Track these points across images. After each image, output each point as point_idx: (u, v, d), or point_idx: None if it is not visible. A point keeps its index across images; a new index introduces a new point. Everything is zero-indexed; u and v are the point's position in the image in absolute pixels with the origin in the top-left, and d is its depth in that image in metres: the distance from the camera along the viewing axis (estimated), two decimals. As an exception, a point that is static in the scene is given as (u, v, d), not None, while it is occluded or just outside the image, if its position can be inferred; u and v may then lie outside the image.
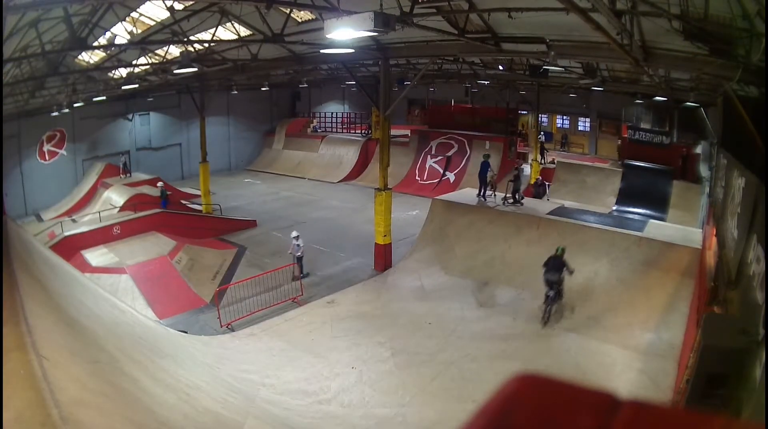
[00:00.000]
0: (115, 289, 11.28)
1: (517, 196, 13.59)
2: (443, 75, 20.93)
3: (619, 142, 24.92)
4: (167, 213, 16.57)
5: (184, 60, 12.08)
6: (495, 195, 14.07)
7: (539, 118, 24.89)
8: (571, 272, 9.86)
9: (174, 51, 15.10)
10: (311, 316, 10.91)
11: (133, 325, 7.23)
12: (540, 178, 19.19)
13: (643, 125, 22.71)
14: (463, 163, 24.23)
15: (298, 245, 12.92)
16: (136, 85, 17.51)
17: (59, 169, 24.39)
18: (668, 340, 8.80)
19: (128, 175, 23.76)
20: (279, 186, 26.31)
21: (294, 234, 13.20)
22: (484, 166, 14.19)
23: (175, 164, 29.11)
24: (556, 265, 9.86)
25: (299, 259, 12.97)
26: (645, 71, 11.39)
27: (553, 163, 23.69)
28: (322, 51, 11.73)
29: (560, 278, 9.87)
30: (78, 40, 9.14)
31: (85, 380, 4.04)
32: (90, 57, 15.78)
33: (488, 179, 14.10)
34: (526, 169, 24.06)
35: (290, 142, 31.64)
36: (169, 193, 19.96)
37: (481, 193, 14.12)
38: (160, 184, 20.35)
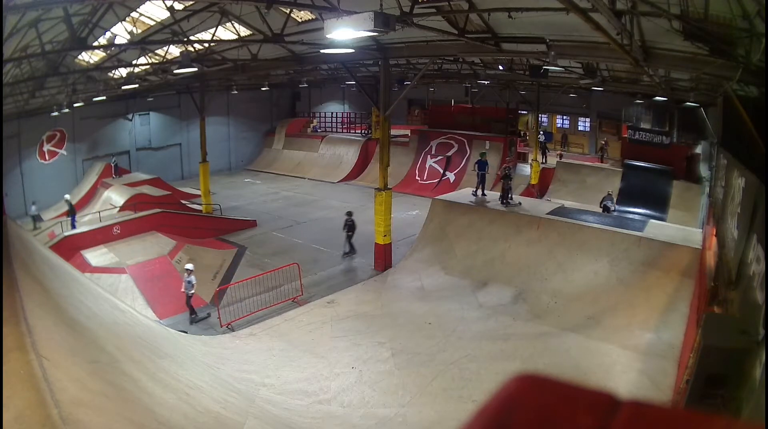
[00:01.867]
0: (115, 289, 11.28)
1: (509, 196, 13.60)
2: (443, 75, 20.93)
3: (603, 141, 25.06)
4: (167, 213, 16.56)
5: (184, 60, 12.08)
6: (485, 193, 14.15)
7: (539, 118, 24.89)
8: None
9: (174, 51, 15.10)
10: (311, 316, 10.90)
11: (133, 325, 7.23)
12: (550, 199, 19.10)
13: (643, 125, 22.71)
14: (463, 163, 24.23)
15: (189, 282, 10.83)
16: (136, 85, 17.50)
17: (59, 169, 24.38)
18: (668, 340, 8.80)
19: (117, 176, 22.90)
20: (279, 186, 26.31)
21: (188, 267, 11.13)
22: (482, 164, 14.32)
23: (175, 164, 29.10)
24: (608, 197, 15.39)
25: (189, 298, 10.90)
26: (645, 71, 11.38)
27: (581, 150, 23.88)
28: (322, 51, 11.72)
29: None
30: (78, 40, 9.14)
31: (85, 380, 4.04)
32: (90, 57, 15.77)
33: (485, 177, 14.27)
34: (526, 169, 24.08)
35: (290, 142, 31.64)
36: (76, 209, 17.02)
37: (477, 192, 14.23)
38: (67, 195, 18.17)
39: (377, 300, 11.77)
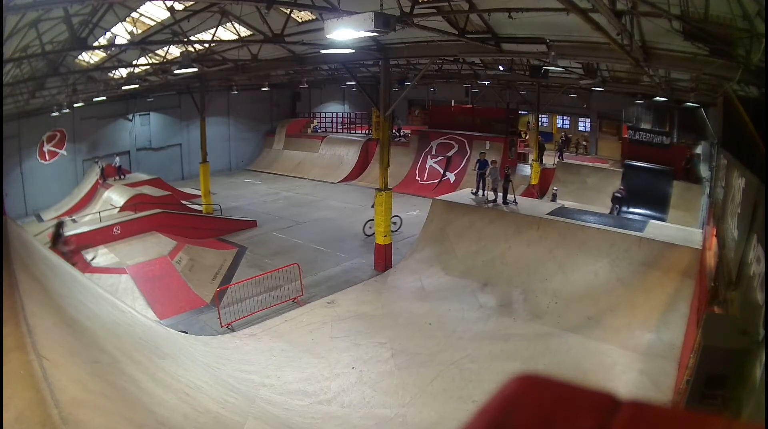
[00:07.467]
0: (115, 290, 11.27)
1: (506, 196, 13.58)
2: (443, 75, 20.94)
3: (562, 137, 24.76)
4: (167, 213, 16.55)
5: (185, 60, 12.07)
6: (485, 193, 14.15)
7: (539, 119, 24.89)
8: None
9: (174, 51, 15.10)
10: (311, 316, 10.90)
11: (133, 325, 7.23)
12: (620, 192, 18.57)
13: (643, 125, 22.72)
14: (464, 163, 24.23)
15: None
16: (137, 86, 17.51)
17: (59, 169, 24.38)
18: (668, 340, 8.80)
19: (105, 179, 22.34)
20: (279, 186, 26.31)
21: None
22: (482, 164, 14.32)
23: (175, 164, 29.11)
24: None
25: None
26: (645, 71, 11.38)
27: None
28: (322, 51, 11.73)
29: None
30: (78, 40, 9.14)
31: (85, 380, 4.03)
32: (90, 57, 15.77)
33: (485, 177, 14.22)
34: (526, 169, 24.08)
35: (290, 143, 31.65)
36: None
37: (478, 192, 14.22)
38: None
39: (377, 300, 11.77)
